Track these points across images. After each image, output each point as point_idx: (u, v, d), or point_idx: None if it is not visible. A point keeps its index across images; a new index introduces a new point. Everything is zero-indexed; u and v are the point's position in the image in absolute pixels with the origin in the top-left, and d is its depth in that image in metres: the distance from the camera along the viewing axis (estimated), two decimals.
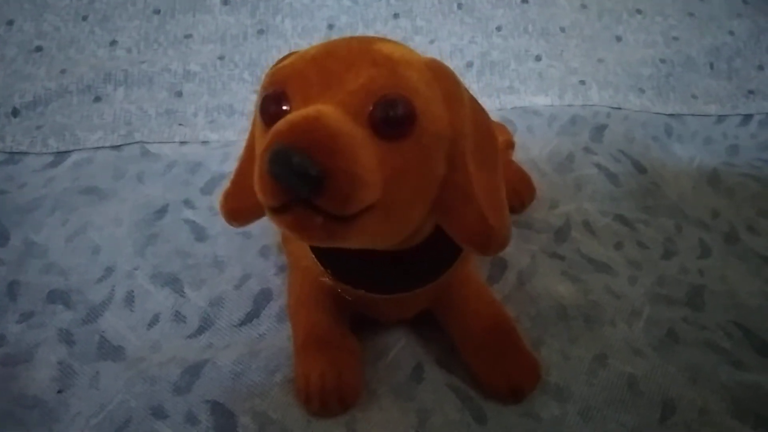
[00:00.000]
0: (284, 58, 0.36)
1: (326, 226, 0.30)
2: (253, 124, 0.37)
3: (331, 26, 0.83)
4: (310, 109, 0.30)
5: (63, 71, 0.74)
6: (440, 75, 0.34)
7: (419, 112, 0.31)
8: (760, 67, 0.84)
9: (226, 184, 0.39)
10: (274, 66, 0.35)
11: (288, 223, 0.30)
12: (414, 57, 0.34)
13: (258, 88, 0.36)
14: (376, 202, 0.30)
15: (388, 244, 0.36)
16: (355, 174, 0.29)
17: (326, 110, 0.30)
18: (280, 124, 0.29)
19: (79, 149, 0.65)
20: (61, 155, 0.64)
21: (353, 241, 0.33)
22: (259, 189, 0.30)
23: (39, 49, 0.77)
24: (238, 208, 0.38)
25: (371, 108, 0.30)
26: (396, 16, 0.85)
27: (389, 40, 0.35)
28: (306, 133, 0.28)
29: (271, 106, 0.32)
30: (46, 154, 0.64)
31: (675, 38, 0.87)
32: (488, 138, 0.36)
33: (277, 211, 0.30)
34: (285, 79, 0.32)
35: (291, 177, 0.28)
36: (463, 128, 0.33)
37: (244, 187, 0.36)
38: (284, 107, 0.32)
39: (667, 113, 0.77)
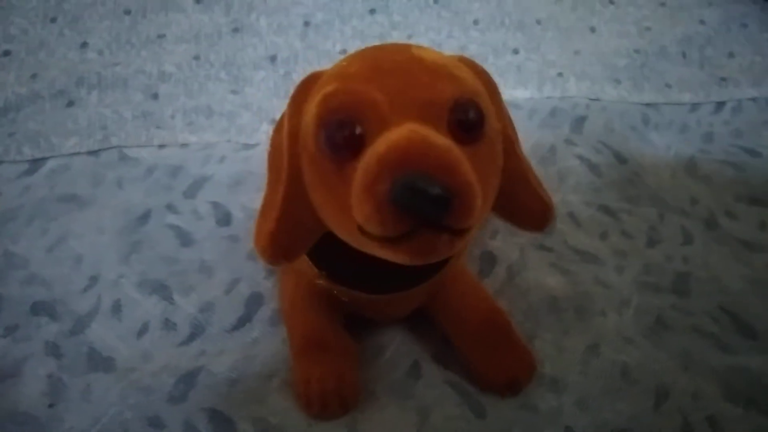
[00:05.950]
0: (308, 82, 0.35)
1: (450, 242, 0.29)
2: (290, 157, 0.34)
3: (306, 23, 0.82)
4: (407, 131, 0.29)
5: (34, 76, 0.72)
6: (477, 69, 0.35)
7: (485, 111, 0.32)
8: (731, 55, 0.86)
9: (262, 225, 0.36)
10: (301, 93, 0.34)
11: (412, 249, 0.29)
12: (450, 57, 0.34)
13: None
14: None
15: None
16: (474, 184, 0.29)
17: (421, 128, 0.29)
18: (387, 152, 0.28)
19: (55, 156, 0.63)
20: (36, 162, 0.63)
21: None
22: (377, 222, 0.28)
23: (7, 53, 0.74)
24: (290, 247, 0.36)
25: (447, 116, 0.30)
26: (372, 11, 0.84)
27: (412, 45, 0.34)
28: (426, 157, 0.28)
29: (340, 132, 0.31)
30: (20, 161, 0.63)
31: (647, 28, 0.88)
32: (511, 121, 0.37)
33: (396, 240, 0.29)
34: (347, 103, 0.31)
35: (424, 203, 0.27)
36: (506, 117, 0.35)
37: (293, 224, 0.35)
38: (357, 131, 0.30)
39: (644, 103, 0.78)
